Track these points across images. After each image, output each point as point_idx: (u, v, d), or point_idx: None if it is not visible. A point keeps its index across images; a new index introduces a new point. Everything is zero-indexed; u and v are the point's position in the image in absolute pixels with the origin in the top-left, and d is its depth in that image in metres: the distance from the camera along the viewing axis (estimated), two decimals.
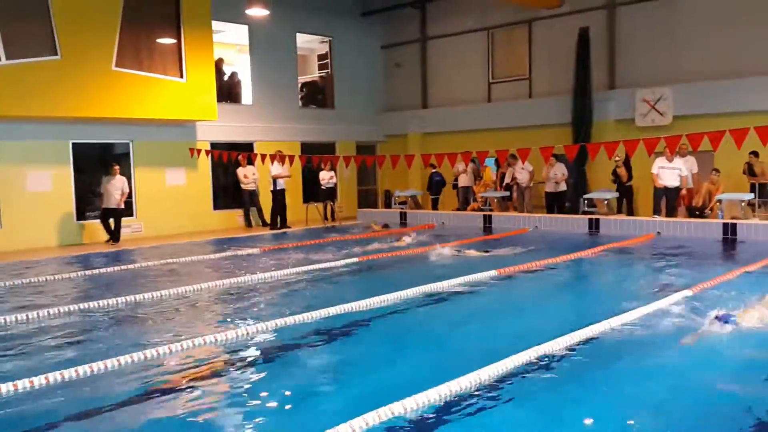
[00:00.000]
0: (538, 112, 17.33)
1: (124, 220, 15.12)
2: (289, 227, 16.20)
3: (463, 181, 17.81)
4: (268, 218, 16.70)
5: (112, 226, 14.25)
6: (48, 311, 7.32)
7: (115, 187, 14.05)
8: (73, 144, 14.63)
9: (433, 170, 18.40)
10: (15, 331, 6.69)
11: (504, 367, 4.84)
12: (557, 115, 16.65)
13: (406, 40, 20.63)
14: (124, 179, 14.29)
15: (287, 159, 15.98)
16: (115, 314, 7.36)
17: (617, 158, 14.38)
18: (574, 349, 5.40)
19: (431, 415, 4.14)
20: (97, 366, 5.25)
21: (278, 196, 16.37)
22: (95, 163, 15.02)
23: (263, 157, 16.15)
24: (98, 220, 14.56)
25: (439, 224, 15.83)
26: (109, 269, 10.49)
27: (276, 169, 16.21)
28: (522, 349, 5.13)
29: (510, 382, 4.69)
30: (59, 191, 14.36)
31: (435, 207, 18.50)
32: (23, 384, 4.86)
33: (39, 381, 4.93)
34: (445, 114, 19.52)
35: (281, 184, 16.37)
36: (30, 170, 13.94)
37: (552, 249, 11.09)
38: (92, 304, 7.66)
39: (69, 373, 5.10)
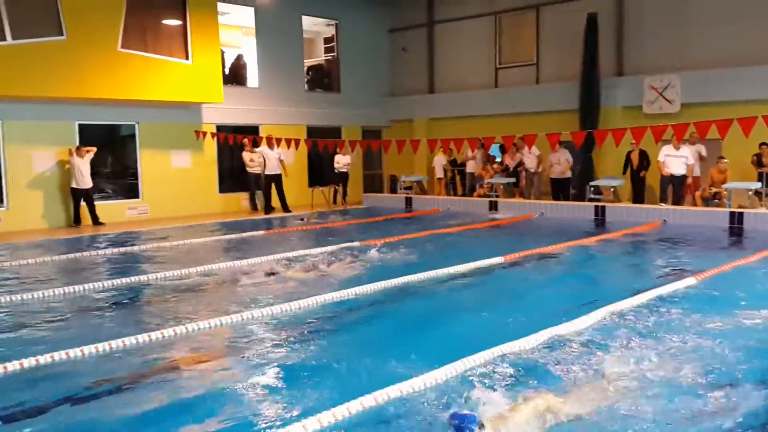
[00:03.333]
0: (545, 98, 17.24)
1: (130, 202, 15.23)
2: (290, 211, 16.10)
3: (471, 166, 17.75)
4: (274, 202, 16.70)
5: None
6: (47, 293, 7.34)
7: (85, 167, 13.94)
8: (79, 125, 14.62)
9: None
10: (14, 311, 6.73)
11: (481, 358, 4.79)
12: (564, 102, 16.56)
13: (413, 24, 20.50)
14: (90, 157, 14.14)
15: (293, 143, 15.98)
16: (122, 296, 7.38)
17: (632, 141, 14.00)
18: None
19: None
20: (104, 346, 5.31)
21: (270, 180, 16.34)
22: (102, 145, 15.00)
23: (269, 140, 16.15)
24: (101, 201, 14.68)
25: (444, 209, 15.81)
26: (124, 249, 10.54)
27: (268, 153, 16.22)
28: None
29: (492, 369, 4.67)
30: (65, 172, 14.34)
31: None
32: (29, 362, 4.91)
33: (29, 363, 4.96)
34: (452, 99, 19.44)
35: (274, 168, 16.27)
36: (36, 151, 13.94)
37: (555, 236, 11.05)
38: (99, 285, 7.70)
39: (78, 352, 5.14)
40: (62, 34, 13.34)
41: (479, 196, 16.78)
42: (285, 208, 16.34)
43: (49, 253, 10.08)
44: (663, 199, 13.94)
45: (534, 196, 16.03)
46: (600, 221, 13.40)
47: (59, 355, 5.07)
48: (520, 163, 16.54)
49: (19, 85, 12.83)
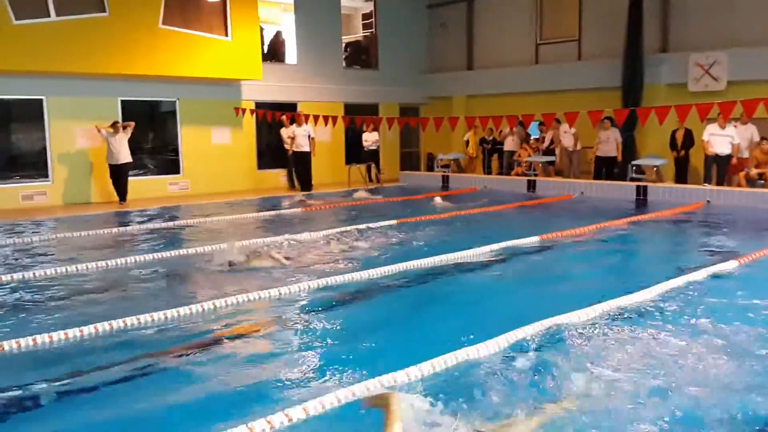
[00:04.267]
0: (586, 75, 16.90)
1: (171, 178, 15.46)
2: (309, 190, 15.95)
3: (509, 144, 17.56)
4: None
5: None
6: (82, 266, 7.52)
7: (119, 143, 13.81)
8: (122, 101, 14.84)
9: None
10: (55, 284, 6.90)
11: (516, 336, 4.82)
12: (607, 79, 16.21)
13: (452, 0, 20.23)
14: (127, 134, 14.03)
15: (330, 120, 15.99)
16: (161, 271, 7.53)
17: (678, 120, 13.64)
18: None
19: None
20: (156, 317, 5.44)
21: (297, 157, 16.18)
22: (143, 120, 15.23)
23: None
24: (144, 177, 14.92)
25: (481, 188, 15.71)
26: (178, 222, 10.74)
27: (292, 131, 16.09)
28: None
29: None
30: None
31: None
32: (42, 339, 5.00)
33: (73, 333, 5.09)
34: (491, 76, 19.19)
35: (301, 146, 16.07)
36: (79, 126, 14.18)
37: (594, 215, 10.89)
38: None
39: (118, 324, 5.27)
40: (104, 11, 13.50)
41: (517, 174, 16.63)
42: (307, 186, 16.11)
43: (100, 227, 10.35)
44: (707, 180, 13.63)
45: (573, 175, 15.80)
46: (642, 201, 13.18)
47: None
48: (552, 141, 16.32)
49: (62, 61, 13.06)
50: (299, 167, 16.33)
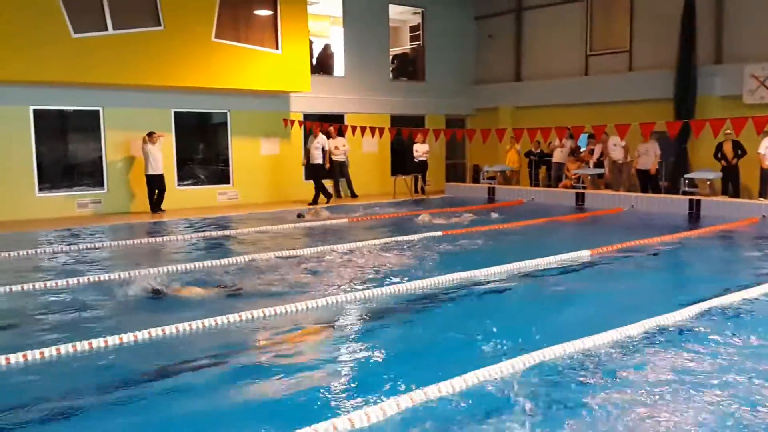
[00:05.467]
0: (637, 87, 16.64)
1: (221, 188, 15.72)
2: (316, 203, 15.63)
3: (557, 156, 17.38)
4: (356, 189, 16.81)
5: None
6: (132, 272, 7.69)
7: (158, 153, 13.98)
8: (175, 112, 15.19)
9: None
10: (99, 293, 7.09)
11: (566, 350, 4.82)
12: (658, 90, 15.96)
13: (501, 11, 20.19)
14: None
15: (377, 131, 16.08)
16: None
17: (728, 132, 13.26)
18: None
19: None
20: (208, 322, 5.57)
21: (315, 170, 16.03)
22: (195, 131, 15.56)
23: (353, 129, 16.23)
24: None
25: (528, 200, 15.58)
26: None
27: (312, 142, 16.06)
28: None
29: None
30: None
31: None
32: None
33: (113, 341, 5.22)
34: (539, 87, 19.06)
35: (317, 157, 15.86)
36: (134, 137, 14.53)
37: (645, 230, 10.69)
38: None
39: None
40: (160, 25, 13.87)
41: (565, 187, 16.44)
42: (315, 197, 15.87)
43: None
44: (763, 194, 13.27)
45: (623, 188, 15.55)
46: (694, 215, 12.89)
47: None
48: (602, 154, 16.10)
49: (119, 73, 13.44)
50: (314, 179, 16.14)
